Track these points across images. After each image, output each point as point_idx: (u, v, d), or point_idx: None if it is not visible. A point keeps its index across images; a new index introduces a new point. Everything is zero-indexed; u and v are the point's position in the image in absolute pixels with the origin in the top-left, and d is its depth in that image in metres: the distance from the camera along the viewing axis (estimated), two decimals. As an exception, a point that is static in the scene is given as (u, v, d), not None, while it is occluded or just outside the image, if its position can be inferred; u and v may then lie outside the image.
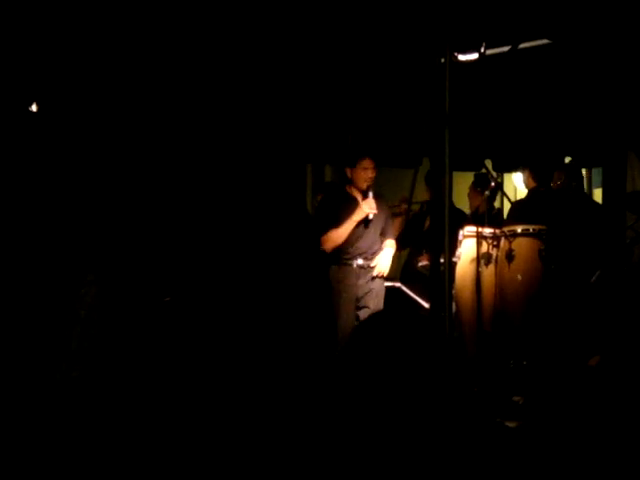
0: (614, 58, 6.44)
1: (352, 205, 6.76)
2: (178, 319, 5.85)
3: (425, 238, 7.71)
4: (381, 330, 1.93)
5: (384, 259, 6.83)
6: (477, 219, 6.66)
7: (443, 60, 4.60)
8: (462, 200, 7.95)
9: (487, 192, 6.79)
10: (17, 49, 5.94)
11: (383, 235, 6.89)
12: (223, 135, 6.75)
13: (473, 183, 7.82)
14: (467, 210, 8.00)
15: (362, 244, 6.76)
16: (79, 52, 6.10)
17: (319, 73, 7.05)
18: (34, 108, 6.22)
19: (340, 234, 6.68)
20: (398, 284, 7.22)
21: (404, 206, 7.86)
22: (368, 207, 6.67)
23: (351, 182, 6.83)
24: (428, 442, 1.85)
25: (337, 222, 6.71)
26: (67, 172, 6.06)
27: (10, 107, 6.06)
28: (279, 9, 6.23)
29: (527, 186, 6.97)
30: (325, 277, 6.75)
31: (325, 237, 6.72)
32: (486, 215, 6.66)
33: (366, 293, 6.74)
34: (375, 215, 6.75)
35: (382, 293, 6.86)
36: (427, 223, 7.83)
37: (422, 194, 8.23)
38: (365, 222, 6.74)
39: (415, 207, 8.24)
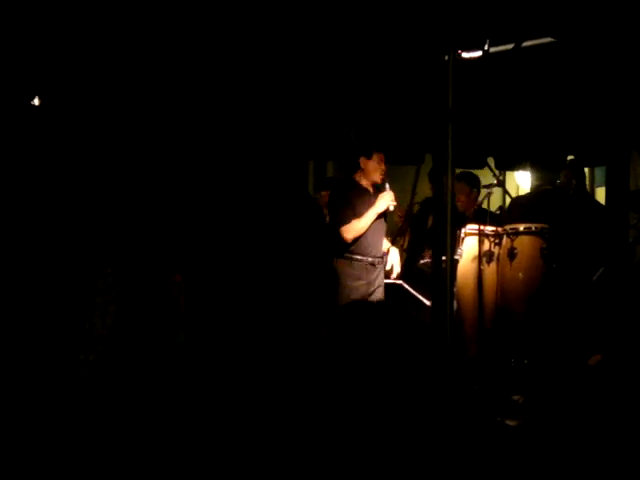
0: (617, 57, 6.43)
1: (365, 196, 6.73)
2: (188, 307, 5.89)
3: (428, 236, 7.70)
4: (380, 327, 1.92)
5: (397, 260, 6.85)
6: (479, 217, 6.64)
7: (447, 57, 4.60)
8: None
9: (490, 190, 6.76)
10: (19, 43, 5.93)
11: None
12: (226, 132, 6.75)
13: (461, 186, 7.73)
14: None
15: (373, 239, 6.73)
16: (81, 47, 6.09)
17: (321, 69, 7.04)
18: (36, 102, 6.21)
19: (363, 225, 6.62)
20: (400, 281, 7.21)
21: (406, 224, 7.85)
22: (390, 199, 6.64)
23: (362, 171, 6.79)
24: (429, 440, 1.85)
25: (353, 212, 6.66)
26: (78, 166, 6.07)
27: (12, 101, 6.06)
28: (282, 5, 6.23)
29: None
30: (331, 271, 6.71)
31: (347, 227, 6.62)
32: (488, 213, 6.65)
33: (376, 289, 6.73)
34: (383, 215, 6.76)
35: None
36: (430, 221, 7.80)
37: (424, 191, 8.20)
38: (384, 216, 6.74)
39: (416, 208, 8.22)
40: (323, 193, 8.42)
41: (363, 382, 1.77)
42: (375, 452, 1.75)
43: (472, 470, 1.97)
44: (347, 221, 6.63)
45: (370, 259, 6.72)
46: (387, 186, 6.68)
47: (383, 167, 6.72)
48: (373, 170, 6.72)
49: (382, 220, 6.80)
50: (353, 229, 6.62)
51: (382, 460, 1.76)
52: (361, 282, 6.67)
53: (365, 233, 6.68)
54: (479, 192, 7.35)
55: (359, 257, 6.69)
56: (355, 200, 6.70)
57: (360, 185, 6.78)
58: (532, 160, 7.00)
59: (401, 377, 1.76)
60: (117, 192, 6.12)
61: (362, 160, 6.75)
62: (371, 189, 6.77)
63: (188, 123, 6.58)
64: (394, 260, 6.84)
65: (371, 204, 6.69)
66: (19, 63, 5.97)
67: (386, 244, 6.95)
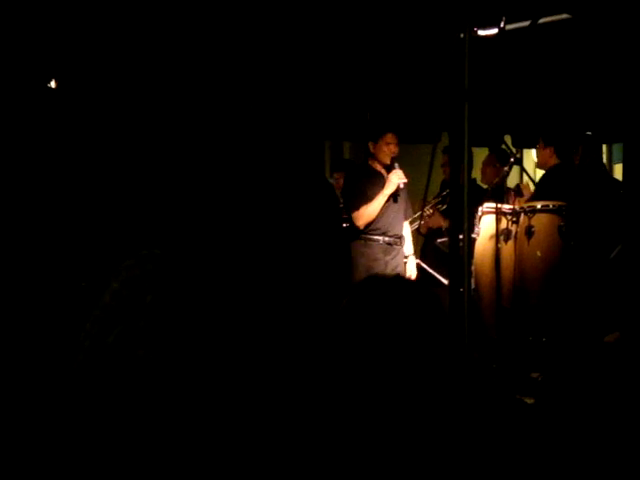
0: (635, 32, 6.38)
1: (377, 180, 6.76)
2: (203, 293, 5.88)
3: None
4: (397, 301, 1.91)
5: (414, 269, 6.92)
6: (496, 195, 6.63)
7: (463, 35, 4.58)
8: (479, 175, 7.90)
9: (507, 168, 6.75)
10: (36, 25, 5.94)
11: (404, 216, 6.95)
12: (242, 113, 6.74)
13: (491, 158, 7.76)
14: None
15: (388, 219, 6.75)
16: (97, 31, 6.10)
17: (337, 49, 7.02)
18: (53, 85, 6.22)
19: (373, 209, 6.66)
20: (417, 260, 7.22)
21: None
22: (397, 177, 6.66)
23: (374, 157, 6.83)
24: (447, 418, 1.85)
25: (365, 198, 6.70)
26: (97, 150, 6.09)
27: (29, 84, 6.07)
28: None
29: (546, 163, 6.89)
30: (347, 253, 6.76)
31: (358, 213, 6.68)
32: (505, 191, 6.64)
33: (394, 269, 6.75)
34: (400, 197, 6.77)
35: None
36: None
37: (440, 171, 8.17)
38: (394, 196, 6.74)
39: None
40: (337, 175, 8.44)
41: (378, 360, 1.77)
42: (392, 431, 1.75)
43: (491, 448, 1.97)
44: (357, 207, 6.67)
45: (387, 239, 6.75)
46: (396, 165, 6.70)
47: (392, 149, 6.74)
48: (381, 153, 6.77)
49: (400, 199, 6.81)
50: (363, 215, 6.67)
51: (400, 438, 1.77)
52: (378, 262, 6.69)
53: (380, 214, 6.70)
54: (509, 169, 7.25)
55: (375, 237, 6.73)
56: (367, 185, 6.75)
57: (373, 169, 6.82)
58: (551, 139, 6.95)
59: (418, 354, 1.76)
60: (139, 175, 6.14)
61: (370, 145, 6.82)
62: (384, 172, 6.80)
63: (204, 104, 6.58)
64: (411, 269, 6.90)
65: (383, 187, 6.73)
66: (36, 45, 5.98)
67: (409, 249, 6.98)
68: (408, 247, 7.02)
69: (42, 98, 6.14)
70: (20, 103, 5.96)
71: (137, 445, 1.61)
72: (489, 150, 7.92)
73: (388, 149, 6.73)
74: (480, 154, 7.74)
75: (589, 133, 7.68)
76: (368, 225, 6.71)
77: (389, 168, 6.75)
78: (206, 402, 1.69)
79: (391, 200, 6.75)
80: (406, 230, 7.02)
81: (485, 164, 7.81)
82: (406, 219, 7.02)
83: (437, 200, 7.71)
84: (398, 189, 6.71)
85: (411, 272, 6.93)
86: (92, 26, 6.01)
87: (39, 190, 5.86)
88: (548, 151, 6.79)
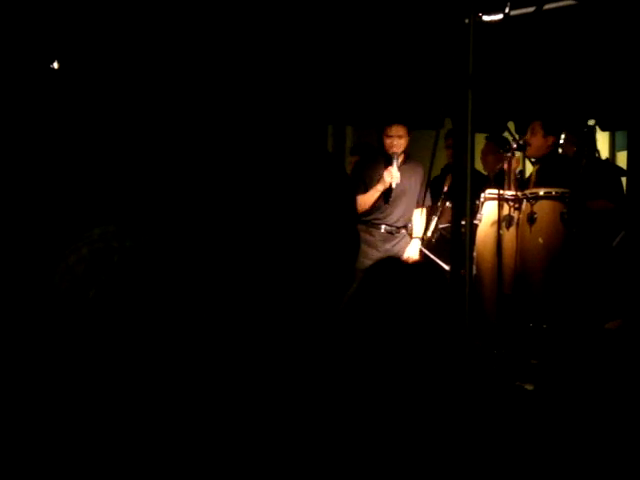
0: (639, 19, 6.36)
1: (381, 170, 6.72)
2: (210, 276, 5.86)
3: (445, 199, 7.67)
4: (397, 286, 1.91)
5: (414, 253, 6.84)
6: (499, 181, 6.61)
7: (467, 20, 4.56)
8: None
9: (510, 154, 6.72)
10: (40, 5, 5.92)
11: (417, 204, 6.89)
12: (244, 97, 6.72)
13: (490, 146, 7.71)
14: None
15: (392, 208, 6.71)
16: (102, 11, 6.08)
17: (340, 32, 6.99)
18: (55, 66, 6.21)
19: (365, 201, 6.60)
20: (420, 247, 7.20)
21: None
22: (389, 176, 6.60)
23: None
24: (447, 405, 1.85)
25: (363, 187, 6.65)
26: (99, 130, 6.07)
27: (32, 64, 6.06)
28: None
29: (540, 151, 6.85)
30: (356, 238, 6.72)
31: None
32: (508, 177, 6.62)
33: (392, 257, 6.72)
34: (409, 185, 6.73)
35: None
36: (446, 185, 7.74)
37: (443, 158, 8.14)
38: (387, 192, 6.66)
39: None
40: (351, 159, 8.41)
41: (377, 350, 1.77)
42: (390, 419, 1.75)
43: (490, 435, 1.97)
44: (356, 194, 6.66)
45: (389, 228, 6.72)
46: (394, 162, 6.62)
47: (393, 141, 6.67)
48: (384, 145, 6.72)
49: (408, 189, 6.76)
50: (357, 204, 6.62)
51: (398, 425, 1.77)
52: (377, 249, 6.66)
53: (383, 201, 6.68)
54: (512, 156, 7.21)
55: (375, 224, 6.70)
56: (369, 175, 6.71)
57: (379, 159, 6.79)
58: (565, 126, 6.92)
59: (419, 341, 1.76)
60: (138, 155, 6.12)
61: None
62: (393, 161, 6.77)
63: (205, 86, 6.56)
64: (409, 252, 6.82)
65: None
66: (39, 26, 5.96)
67: (417, 231, 6.93)
68: (417, 230, 6.95)
69: (44, 79, 6.13)
70: (22, 84, 5.95)
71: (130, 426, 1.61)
72: (487, 138, 7.88)
73: (390, 141, 6.67)
74: (479, 141, 7.71)
75: (591, 122, 7.65)
76: (367, 214, 6.67)
77: (391, 161, 6.69)
78: (200, 394, 1.68)
79: (390, 194, 6.67)
80: (417, 216, 6.94)
81: (485, 152, 7.77)
82: (420, 206, 6.94)
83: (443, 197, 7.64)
84: (391, 186, 6.63)
85: (408, 254, 6.85)
86: (96, 16, 6.00)
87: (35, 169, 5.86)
88: (548, 140, 6.75)
